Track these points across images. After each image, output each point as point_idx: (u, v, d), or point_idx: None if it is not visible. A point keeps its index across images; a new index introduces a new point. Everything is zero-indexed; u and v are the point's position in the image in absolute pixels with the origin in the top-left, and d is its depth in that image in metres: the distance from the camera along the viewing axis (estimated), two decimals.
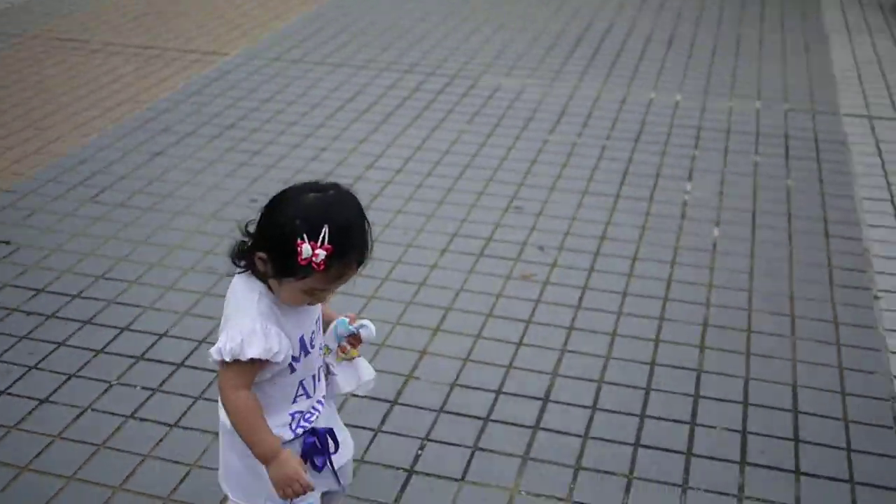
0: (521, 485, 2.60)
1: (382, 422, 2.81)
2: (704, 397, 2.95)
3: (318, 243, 1.74)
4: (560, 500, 2.55)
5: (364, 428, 2.77)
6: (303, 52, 6.01)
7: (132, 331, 3.24)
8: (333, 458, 1.99)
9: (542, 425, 2.82)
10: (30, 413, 2.84)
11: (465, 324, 3.29)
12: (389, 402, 2.90)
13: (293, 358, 1.89)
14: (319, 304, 1.96)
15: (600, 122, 5.00)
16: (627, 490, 2.59)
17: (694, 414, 2.88)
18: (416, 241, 3.81)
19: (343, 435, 2.06)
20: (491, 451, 2.72)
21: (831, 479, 2.64)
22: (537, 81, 5.57)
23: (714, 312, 3.37)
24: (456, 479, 2.61)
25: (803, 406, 2.92)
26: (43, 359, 3.09)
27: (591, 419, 2.85)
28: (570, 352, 3.16)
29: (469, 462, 2.67)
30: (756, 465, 2.69)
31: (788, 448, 2.75)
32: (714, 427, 2.83)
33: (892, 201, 4.19)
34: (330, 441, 1.98)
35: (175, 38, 6.32)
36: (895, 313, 3.38)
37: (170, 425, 2.80)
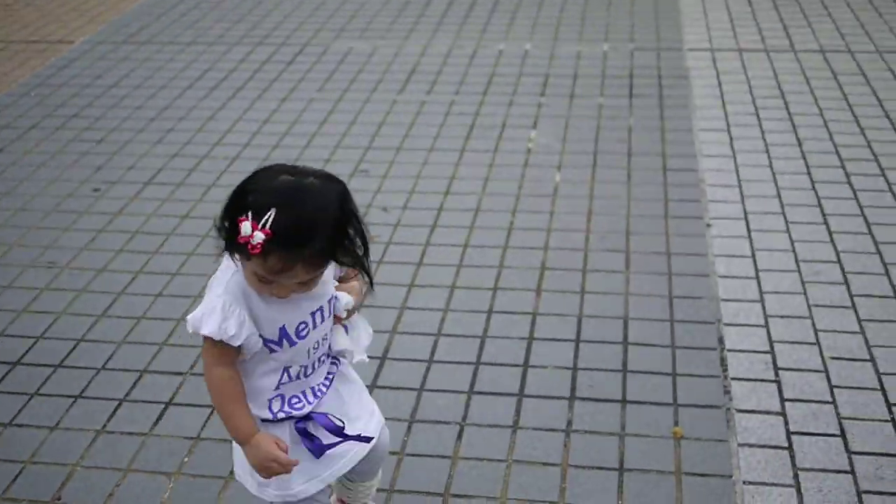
0: None
1: None
2: (538, 339, 3.02)
3: (259, 225, 1.62)
4: (393, 453, 2.59)
5: None
6: (151, 34, 5.89)
7: None
8: (343, 445, 1.92)
9: (378, 383, 2.86)
10: None
11: None
12: None
13: (271, 342, 1.81)
14: (327, 299, 1.85)
15: (450, 77, 5.02)
16: (459, 436, 2.65)
17: (527, 356, 2.95)
18: None
19: (360, 424, 1.97)
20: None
21: (656, 403, 2.73)
22: (389, 42, 5.57)
23: (552, 256, 3.45)
24: None
25: (633, 337, 3.01)
26: None
27: (427, 372, 2.90)
28: (409, 308, 3.20)
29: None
30: (585, 398, 2.77)
31: (616, 379, 2.84)
32: (545, 367, 2.90)
33: (729, 131, 4.32)
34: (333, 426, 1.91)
35: (21, 30, 6.14)
36: (725, 239, 3.50)
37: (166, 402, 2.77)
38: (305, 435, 1.89)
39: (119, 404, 2.82)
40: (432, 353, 2.97)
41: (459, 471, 2.53)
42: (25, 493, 2.52)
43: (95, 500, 2.48)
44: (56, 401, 2.85)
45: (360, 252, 1.77)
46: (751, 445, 2.57)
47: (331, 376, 1.95)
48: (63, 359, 3.02)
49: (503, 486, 2.47)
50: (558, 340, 3.00)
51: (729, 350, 2.93)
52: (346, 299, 1.88)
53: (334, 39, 5.64)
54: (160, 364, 2.98)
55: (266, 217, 1.62)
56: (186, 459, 2.60)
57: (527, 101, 4.69)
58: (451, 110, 4.63)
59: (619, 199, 3.80)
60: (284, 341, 1.81)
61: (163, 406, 2.80)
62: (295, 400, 1.90)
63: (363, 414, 2.00)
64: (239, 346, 1.77)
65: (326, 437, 1.91)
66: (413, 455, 2.59)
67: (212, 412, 2.75)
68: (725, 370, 2.85)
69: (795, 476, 2.47)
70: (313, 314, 1.83)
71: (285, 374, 1.86)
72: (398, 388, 2.83)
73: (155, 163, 4.26)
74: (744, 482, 2.46)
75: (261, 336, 1.79)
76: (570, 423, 2.68)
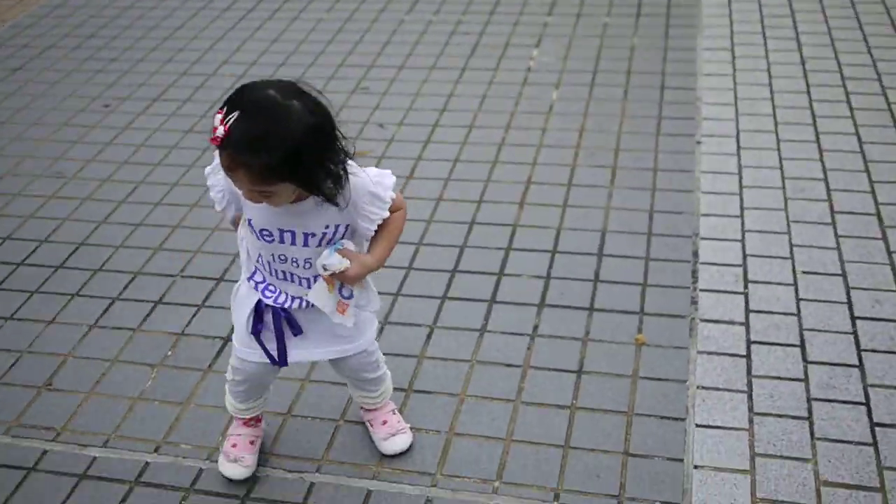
0: None
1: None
2: (516, 249, 3.10)
3: (224, 121, 1.72)
4: None
5: None
6: None
7: None
8: (288, 343, 2.11)
9: None
10: None
11: None
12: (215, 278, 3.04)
13: (248, 221, 1.97)
14: (322, 231, 1.95)
15: None
16: (428, 338, 2.76)
17: (503, 265, 3.03)
18: None
19: (318, 339, 2.13)
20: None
21: (622, 311, 2.81)
22: None
23: (538, 170, 3.50)
24: None
25: (608, 249, 3.08)
26: None
27: (404, 278, 3.00)
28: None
29: None
30: (553, 305, 2.86)
31: (587, 288, 2.92)
32: (520, 275, 2.99)
33: (732, 50, 4.29)
34: (286, 325, 2.08)
35: None
36: (713, 156, 3.52)
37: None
38: (257, 316, 2.08)
39: (112, 302, 2.98)
40: (411, 261, 3.07)
41: (424, 369, 2.64)
42: (21, 379, 2.70)
43: (83, 387, 2.65)
44: (55, 298, 3.01)
45: (328, 190, 1.83)
46: (710, 353, 2.65)
47: (304, 300, 2.05)
48: (64, 260, 3.19)
49: (464, 384, 2.59)
50: (535, 251, 3.08)
51: (702, 263, 2.99)
52: (334, 258, 1.95)
53: None
54: (153, 267, 3.13)
55: (230, 117, 1.71)
56: (170, 353, 2.76)
57: (532, 21, 4.70)
58: (457, 30, 4.66)
59: (612, 116, 3.82)
60: (251, 230, 1.97)
61: (152, 305, 2.95)
62: (269, 291, 2.07)
63: (320, 341, 2.15)
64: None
65: (268, 329, 2.10)
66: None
67: (197, 311, 2.89)
68: (696, 282, 2.91)
69: (749, 383, 2.54)
70: (292, 233, 1.94)
71: (260, 259, 2.03)
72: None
73: (164, 80, 4.37)
74: (697, 386, 2.54)
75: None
76: (536, 328, 2.77)
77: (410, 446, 2.39)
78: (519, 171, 3.51)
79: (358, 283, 2.05)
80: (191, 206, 3.40)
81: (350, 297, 2.06)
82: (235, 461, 2.33)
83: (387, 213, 1.99)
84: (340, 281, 2.02)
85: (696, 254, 3.03)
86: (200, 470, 2.37)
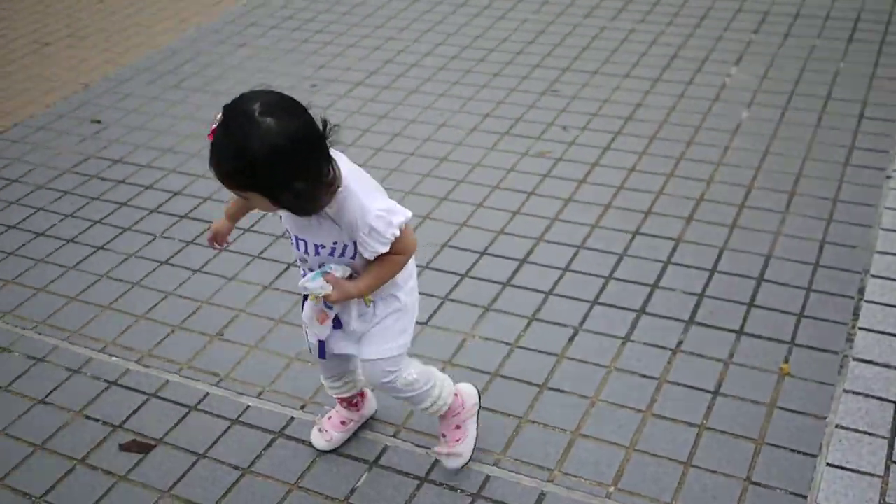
0: (477, 331, 2.89)
1: None
2: (674, 263, 3.11)
3: (214, 120, 1.83)
4: (507, 343, 2.81)
5: None
6: None
7: (183, 195, 3.72)
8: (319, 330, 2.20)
9: (512, 282, 3.08)
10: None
11: (471, 194, 3.56)
12: None
13: (288, 233, 2.10)
14: (332, 242, 2.03)
15: (666, 8, 5.01)
16: (571, 339, 2.83)
17: (659, 278, 3.05)
18: (451, 121, 4.07)
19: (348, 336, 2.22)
20: (459, 301, 3.01)
21: (772, 339, 2.77)
22: None
23: (714, 189, 3.47)
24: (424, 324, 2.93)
25: (770, 275, 3.02)
26: (106, 216, 3.63)
27: (559, 278, 3.08)
28: (560, 220, 3.37)
29: (436, 311, 2.98)
30: (701, 324, 2.85)
31: (739, 311, 2.88)
32: (674, 290, 2.99)
33: None
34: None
35: None
36: None
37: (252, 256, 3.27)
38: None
39: (287, 267, 3.23)
40: (568, 264, 3.14)
41: (563, 368, 2.72)
42: (198, 327, 2.99)
43: (249, 340, 2.91)
44: (238, 258, 3.30)
45: (289, 204, 1.88)
46: (856, 393, 2.57)
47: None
48: (252, 225, 3.47)
49: (598, 388, 2.64)
50: (694, 268, 3.07)
51: (866, 301, 2.88)
52: (317, 283, 2.03)
53: None
54: None
55: (214, 124, 1.83)
56: None
57: (736, 38, 4.61)
58: (658, 40, 4.65)
59: (800, 141, 3.72)
60: (292, 241, 2.11)
61: None
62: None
63: (350, 338, 2.23)
64: None
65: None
66: (522, 348, 2.80)
67: None
68: (856, 319, 2.81)
69: (893, 429, 2.45)
70: (305, 242, 2.06)
71: (298, 259, 2.14)
72: (526, 289, 3.03)
73: (370, 66, 4.64)
74: (837, 425, 2.47)
75: None
76: (680, 343, 2.78)
77: (462, 466, 2.42)
78: (693, 186, 3.49)
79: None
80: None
81: (331, 307, 2.13)
82: (320, 432, 2.51)
83: (384, 249, 1.99)
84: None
85: (861, 290, 2.93)
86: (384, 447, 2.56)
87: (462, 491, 2.38)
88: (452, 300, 3.02)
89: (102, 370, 2.87)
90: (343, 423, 2.52)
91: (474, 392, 2.47)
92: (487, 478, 2.40)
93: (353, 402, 2.51)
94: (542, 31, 4.85)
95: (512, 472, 2.41)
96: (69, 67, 4.96)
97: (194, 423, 2.63)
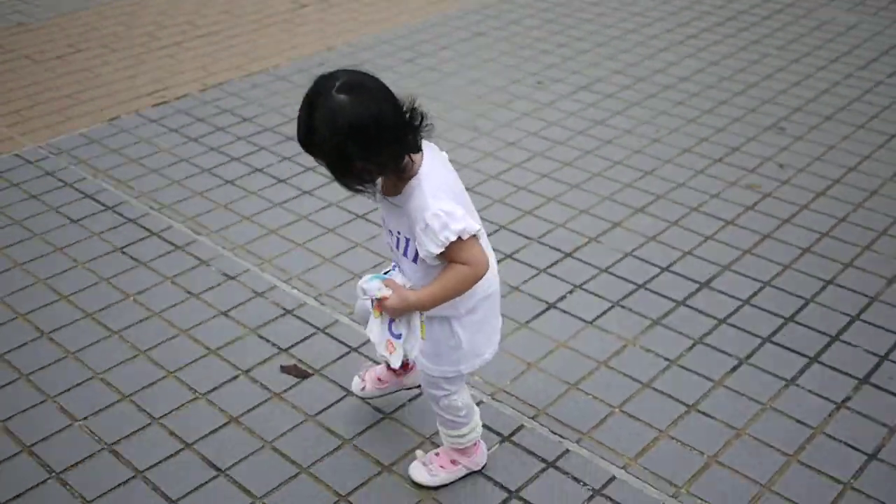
0: (639, 341, 2.87)
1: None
2: (863, 320, 2.94)
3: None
4: (667, 360, 2.78)
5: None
6: None
7: None
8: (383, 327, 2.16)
9: (687, 302, 3.02)
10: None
11: (667, 211, 3.52)
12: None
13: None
14: (405, 236, 2.04)
15: None
16: (734, 370, 2.75)
17: (842, 330, 2.90)
18: (666, 138, 4.04)
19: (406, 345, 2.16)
20: (628, 309, 3.00)
21: None
22: (876, 18, 5.33)
23: None
24: (585, 322, 2.95)
25: None
26: None
27: (737, 309, 2.99)
28: (752, 254, 3.27)
29: (603, 314, 2.98)
30: (876, 386, 2.69)
31: None
32: (856, 346, 2.84)
33: None
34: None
35: None
36: None
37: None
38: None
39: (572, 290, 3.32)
40: (750, 297, 3.05)
41: (716, 394, 2.65)
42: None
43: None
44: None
45: (344, 184, 1.94)
46: None
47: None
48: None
49: (748, 421, 2.56)
50: (883, 328, 2.90)
51: None
52: (374, 283, 2.04)
53: (818, 7, 5.54)
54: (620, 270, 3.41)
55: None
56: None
57: None
58: None
59: None
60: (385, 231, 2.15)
61: (610, 305, 3.24)
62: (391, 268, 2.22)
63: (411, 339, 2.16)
64: None
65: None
66: (681, 367, 2.75)
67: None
68: None
69: None
70: (391, 231, 2.08)
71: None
72: (701, 312, 2.97)
73: (597, 73, 4.67)
74: None
75: None
76: (847, 399, 2.64)
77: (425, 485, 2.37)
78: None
79: (402, 321, 2.09)
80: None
81: (399, 337, 2.10)
82: (359, 379, 2.59)
83: (436, 250, 1.94)
84: (383, 311, 2.07)
85: None
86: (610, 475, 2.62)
87: (585, 484, 2.38)
88: (622, 306, 3.01)
89: (283, 299, 3.07)
90: (380, 379, 2.59)
91: (486, 454, 2.42)
92: (613, 478, 2.39)
93: (396, 371, 2.57)
94: (781, 68, 4.71)
95: (638, 478, 2.38)
96: (317, 30, 5.31)
97: (352, 363, 2.77)
